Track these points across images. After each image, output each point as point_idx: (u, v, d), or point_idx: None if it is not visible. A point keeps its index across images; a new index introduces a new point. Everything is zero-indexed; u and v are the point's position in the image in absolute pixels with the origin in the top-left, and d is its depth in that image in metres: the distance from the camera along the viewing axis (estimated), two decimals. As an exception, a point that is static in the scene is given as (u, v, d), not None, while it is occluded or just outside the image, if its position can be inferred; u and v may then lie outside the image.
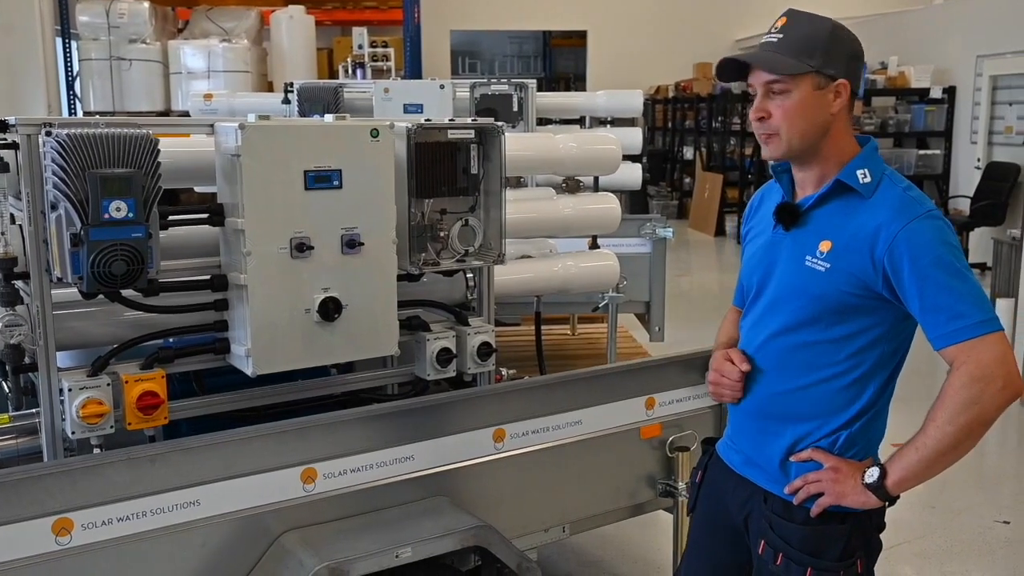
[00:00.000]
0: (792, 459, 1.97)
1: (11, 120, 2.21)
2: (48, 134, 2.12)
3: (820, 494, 1.92)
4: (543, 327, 3.85)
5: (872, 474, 1.87)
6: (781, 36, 1.89)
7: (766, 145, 1.94)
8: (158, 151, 2.21)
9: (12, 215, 2.35)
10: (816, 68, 1.86)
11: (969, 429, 1.78)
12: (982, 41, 10.87)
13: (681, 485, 2.88)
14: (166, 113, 10.02)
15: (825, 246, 1.90)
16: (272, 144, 2.32)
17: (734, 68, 1.95)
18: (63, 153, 2.09)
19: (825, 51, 1.86)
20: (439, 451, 2.49)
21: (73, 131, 2.11)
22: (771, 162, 2.03)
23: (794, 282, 1.94)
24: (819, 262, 1.89)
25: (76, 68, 10.52)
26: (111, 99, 9.96)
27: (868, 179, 1.89)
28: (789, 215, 1.97)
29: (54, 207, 2.16)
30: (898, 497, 1.90)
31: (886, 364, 1.95)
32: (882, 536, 2.02)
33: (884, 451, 2.00)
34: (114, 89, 10.00)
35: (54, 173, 2.11)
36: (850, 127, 1.95)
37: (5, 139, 2.21)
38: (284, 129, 2.40)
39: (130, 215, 2.14)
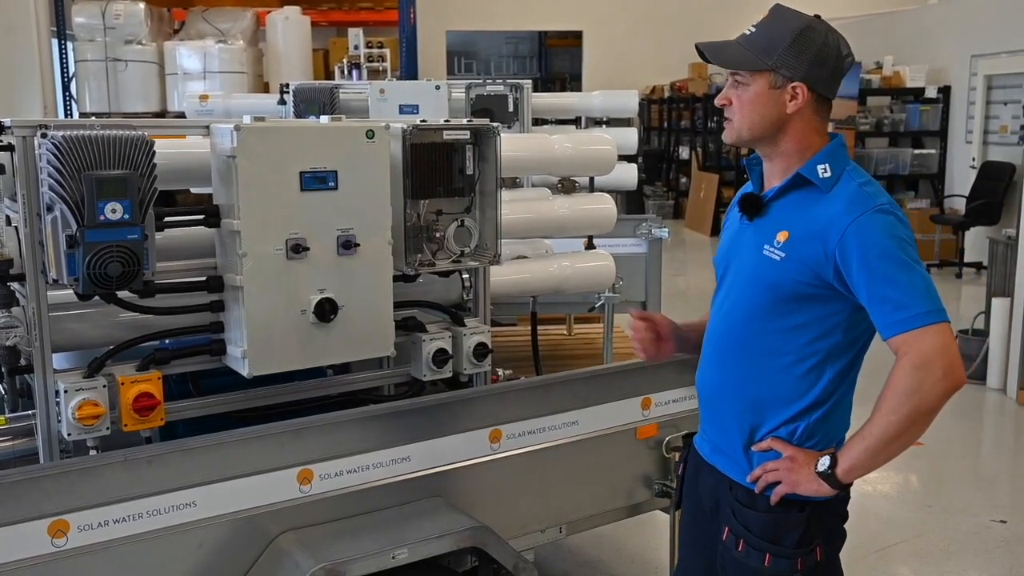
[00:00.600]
0: (753, 448, 2.03)
1: (6, 122, 2.21)
2: (44, 136, 2.12)
3: (778, 482, 1.97)
4: (540, 327, 3.86)
5: (824, 463, 1.92)
6: (754, 31, 1.98)
7: (725, 129, 2.04)
8: (154, 153, 2.22)
9: (8, 217, 2.35)
10: (772, 67, 1.92)
11: (911, 418, 1.82)
12: (977, 41, 10.89)
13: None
14: (162, 114, 10.00)
15: (782, 236, 1.95)
16: (268, 145, 2.32)
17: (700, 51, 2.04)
18: (59, 155, 2.09)
19: (785, 52, 1.92)
20: (435, 452, 2.49)
21: (69, 133, 2.11)
22: (736, 152, 2.12)
23: (751, 270, 2.02)
24: (775, 251, 1.95)
25: (72, 69, 10.50)
26: (107, 100, 9.94)
27: (828, 174, 1.95)
28: (751, 205, 2.04)
29: (50, 209, 2.16)
30: (850, 486, 1.95)
31: (842, 355, 1.98)
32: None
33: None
34: (110, 90, 9.98)
35: (50, 175, 2.11)
36: (818, 125, 1.99)
37: (1, 141, 2.20)
38: (280, 130, 2.40)
39: (126, 217, 2.14)
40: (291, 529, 2.26)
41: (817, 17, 1.98)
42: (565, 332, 5.29)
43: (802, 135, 1.97)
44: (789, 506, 1.97)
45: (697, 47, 2.03)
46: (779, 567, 1.97)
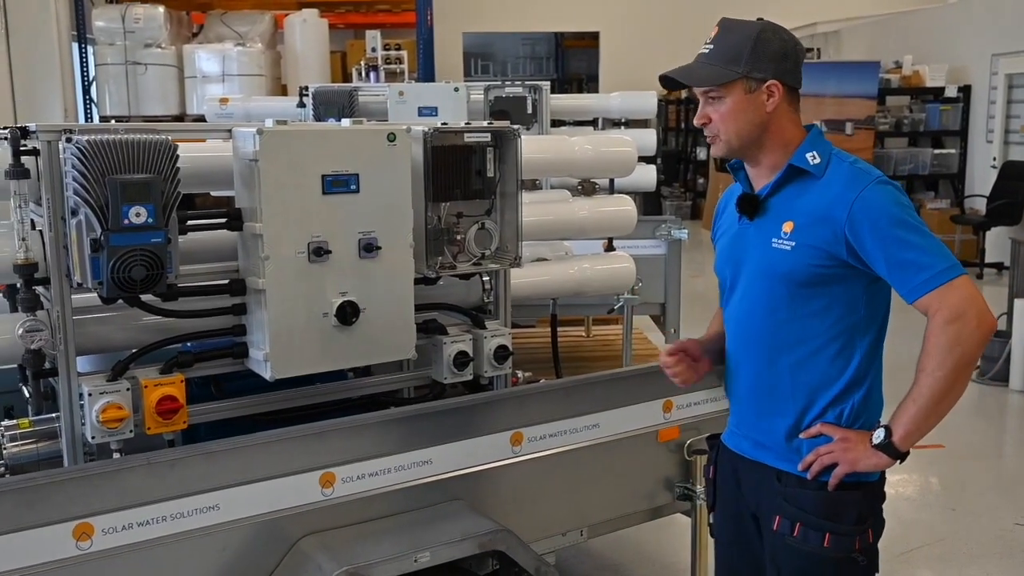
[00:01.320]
0: (802, 436, 2.05)
1: (32, 127, 2.22)
2: (68, 140, 2.14)
3: (834, 465, 1.99)
4: (561, 329, 3.84)
5: (879, 435, 1.96)
6: (712, 47, 2.05)
7: (712, 146, 2.08)
8: (177, 156, 2.23)
9: (32, 221, 2.36)
10: (743, 74, 2.00)
11: (956, 371, 1.88)
12: (997, 40, 10.80)
13: (699, 488, 2.87)
14: (181, 117, 10.06)
15: (788, 227, 2.01)
16: (290, 149, 2.32)
17: (665, 79, 2.11)
18: (83, 159, 2.11)
19: (750, 56, 2.00)
20: (457, 455, 2.49)
21: (93, 137, 2.12)
22: (725, 162, 2.18)
23: (764, 266, 2.06)
24: (784, 242, 2.01)
25: (92, 73, 10.59)
26: (127, 103, 10.01)
27: (818, 160, 2.02)
28: (750, 205, 2.09)
29: (74, 213, 2.17)
30: (907, 454, 1.97)
31: (868, 329, 2.03)
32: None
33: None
34: (130, 93, 10.04)
35: (74, 179, 2.13)
36: (794, 117, 2.07)
37: (26, 145, 2.22)
38: (302, 134, 2.40)
39: (149, 220, 2.16)
40: (313, 532, 2.26)
41: (760, 19, 2.09)
42: (583, 334, 5.28)
43: (783, 130, 2.06)
44: (843, 487, 2.00)
45: (663, 77, 2.11)
46: (839, 546, 1.99)
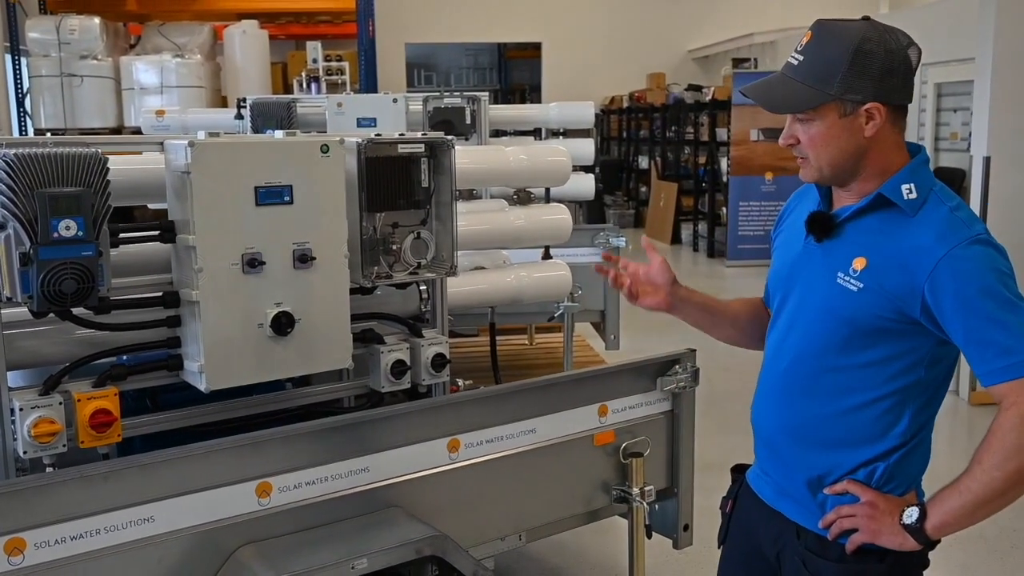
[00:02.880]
0: (826, 491, 1.87)
1: (-42, 141, 2.21)
2: (-5, 154, 2.13)
3: (854, 530, 1.81)
4: (502, 337, 3.89)
5: (911, 514, 1.76)
6: (801, 59, 1.76)
7: (801, 169, 1.83)
8: (107, 170, 2.22)
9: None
10: (836, 96, 1.72)
11: (1019, 476, 1.66)
12: (926, 50, 10.84)
13: (635, 491, 2.91)
14: (119, 130, 9.94)
15: (859, 263, 1.77)
16: (222, 161, 2.33)
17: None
18: (11, 173, 2.10)
19: (846, 74, 1.71)
20: (394, 462, 2.51)
21: (21, 150, 2.11)
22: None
23: (822, 301, 1.83)
24: (851, 280, 1.78)
25: (26, 85, 10.41)
26: (63, 116, 9.86)
27: (914, 195, 1.75)
28: (821, 226, 1.84)
29: (2, 227, 2.15)
30: (938, 541, 1.78)
31: (923, 392, 1.82)
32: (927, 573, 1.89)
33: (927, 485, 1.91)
34: (65, 106, 9.90)
35: (2, 193, 2.11)
36: (898, 139, 1.80)
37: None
38: (234, 146, 2.41)
39: (79, 234, 2.15)
40: (251, 542, 2.26)
41: (866, 19, 1.77)
42: (527, 342, 5.33)
43: (884, 156, 1.78)
44: (867, 555, 1.81)
45: (744, 93, 1.86)
46: None
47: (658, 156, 15.46)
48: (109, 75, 9.95)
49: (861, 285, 1.77)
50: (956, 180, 10.44)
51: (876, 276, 1.76)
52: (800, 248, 1.92)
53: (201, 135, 2.37)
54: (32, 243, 2.11)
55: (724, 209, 12.60)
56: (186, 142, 2.29)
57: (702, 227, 13.51)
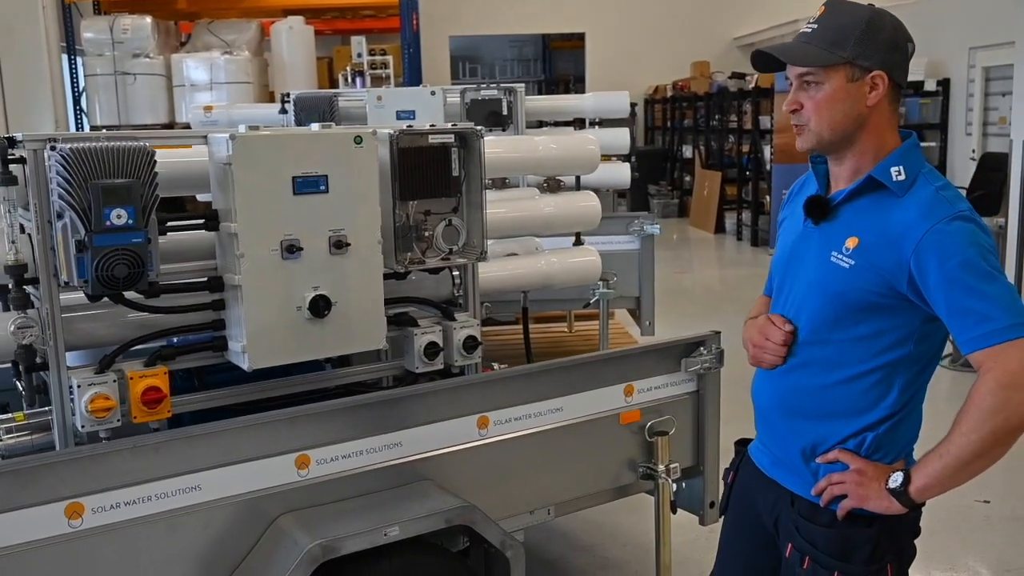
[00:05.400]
0: (818, 460, 1.96)
1: (18, 136, 2.38)
2: (53, 148, 2.29)
3: (844, 496, 1.90)
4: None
5: (896, 479, 1.84)
6: (816, 27, 1.86)
7: (799, 136, 1.92)
8: (155, 162, 2.38)
9: (22, 225, 2.51)
10: (848, 59, 1.82)
11: (994, 438, 1.74)
12: (974, 33, 10.97)
13: (661, 468, 3.01)
14: (170, 125, 10.20)
15: (852, 242, 1.87)
16: (261, 152, 2.47)
17: (771, 58, 1.91)
18: (67, 166, 2.26)
19: (859, 41, 1.82)
20: (426, 438, 2.64)
21: (75, 145, 2.27)
22: (810, 154, 2.02)
23: (817, 278, 1.93)
24: (844, 258, 1.87)
25: (82, 83, 10.74)
26: (116, 113, 10.15)
27: (902, 176, 1.85)
28: (818, 208, 1.95)
29: (60, 216, 2.32)
30: (923, 504, 1.87)
31: (912, 365, 1.91)
32: None
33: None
34: (119, 103, 10.18)
35: (59, 184, 2.28)
36: (893, 119, 1.90)
37: (13, 154, 2.37)
38: (272, 138, 2.55)
39: (130, 222, 2.31)
40: (290, 511, 2.41)
41: (871, 4, 1.90)
42: (566, 329, 5.43)
43: (879, 132, 1.88)
44: (857, 521, 1.90)
45: (756, 55, 1.94)
46: None
47: (702, 145, 15.43)
48: (161, 72, 10.20)
49: (853, 262, 1.86)
50: (1004, 165, 10.31)
51: (867, 254, 1.85)
52: (800, 231, 2.02)
53: (242, 128, 2.51)
54: (87, 231, 2.27)
55: (767, 197, 12.55)
56: (227, 135, 2.43)
57: (745, 215, 13.48)
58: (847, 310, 1.89)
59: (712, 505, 3.21)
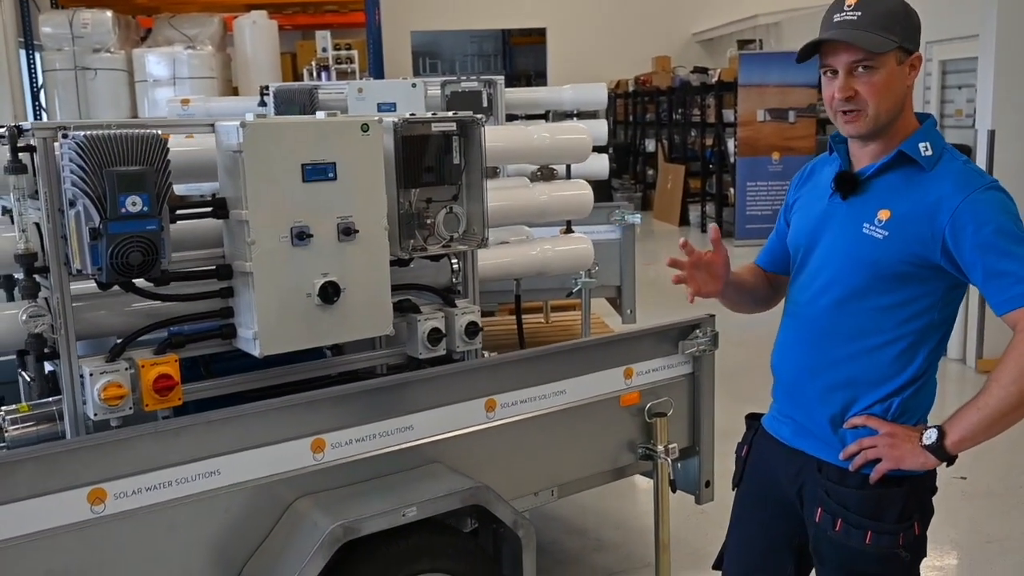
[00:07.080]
0: (846, 426, 2.03)
1: (25, 125, 2.37)
2: (65, 136, 2.28)
3: (877, 460, 1.96)
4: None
5: (930, 435, 1.91)
6: (860, 13, 1.91)
7: (851, 123, 1.95)
8: (167, 150, 2.38)
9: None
10: (899, 43, 1.90)
11: None
12: (931, 27, 11.06)
13: (660, 448, 3.07)
14: (134, 121, 10.06)
15: (884, 214, 1.94)
16: (271, 140, 2.49)
17: (809, 48, 1.96)
18: (81, 153, 2.25)
19: (903, 25, 1.91)
20: (436, 421, 2.67)
21: (91, 133, 2.27)
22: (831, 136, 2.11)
23: (849, 249, 2.00)
24: (877, 230, 1.94)
25: (40, 79, 10.56)
26: (76, 109, 10.01)
27: (930, 152, 1.94)
28: (848, 183, 2.02)
29: (72, 204, 2.31)
30: (956, 457, 1.92)
31: (935, 332, 2.00)
32: None
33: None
34: (79, 99, 10.05)
35: (72, 172, 2.27)
36: (912, 101, 1.99)
37: (20, 144, 2.36)
38: (281, 126, 2.57)
39: (144, 209, 2.31)
40: (307, 494, 2.43)
41: None
42: (543, 320, 5.48)
43: (909, 111, 1.98)
44: (887, 482, 1.97)
45: (809, 45, 1.94)
46: (881, 543, 1.97)
47: (664, 139, 15.57)
48: (122, 68, 10.08)
49: (887, 233, 1.94)
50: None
51: (900, 225, 1.94)
52: (825, 206, 2.09)
53: (250, 117, 2.52)
54: (102, 218, 2.27)
55: (731, 190, 12.71)
56: (238, 123, 2.44)
57: (710, 208, 13.63)
58: (878, 279, 1.96)
59: (708, 484, 3.29)
